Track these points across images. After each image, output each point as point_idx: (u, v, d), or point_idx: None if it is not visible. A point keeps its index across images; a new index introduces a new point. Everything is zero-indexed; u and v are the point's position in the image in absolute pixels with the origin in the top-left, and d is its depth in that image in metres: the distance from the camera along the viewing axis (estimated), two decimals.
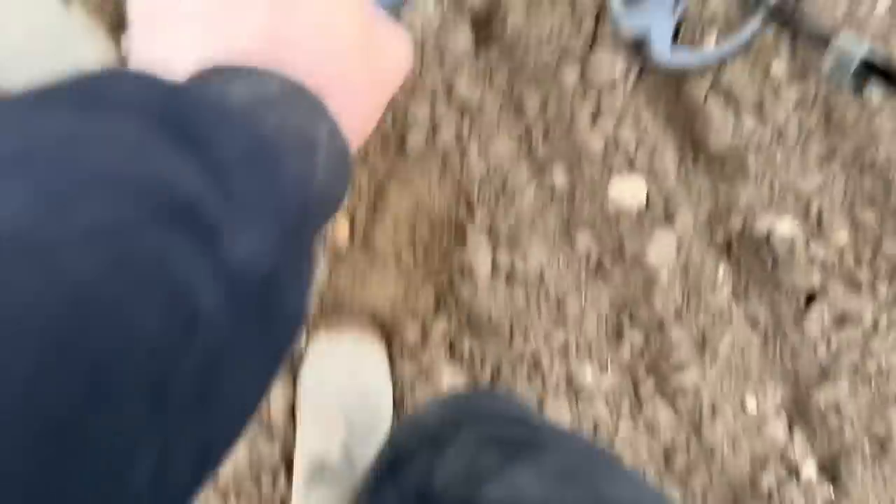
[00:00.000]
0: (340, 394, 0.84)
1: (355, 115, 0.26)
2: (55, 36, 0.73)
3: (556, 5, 0.86)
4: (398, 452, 0.56)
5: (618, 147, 0.88)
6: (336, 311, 0.88)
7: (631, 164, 0.89)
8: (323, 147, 0.23)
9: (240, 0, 0.25)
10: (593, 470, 0.49)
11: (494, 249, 0.87)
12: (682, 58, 0.90)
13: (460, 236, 0.87)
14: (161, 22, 0.26)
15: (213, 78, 0.23)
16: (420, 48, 0.84)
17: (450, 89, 0.85)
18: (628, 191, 0.89)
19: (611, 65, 0.87)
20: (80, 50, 0.74)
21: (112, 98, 0.19)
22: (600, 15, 0.88)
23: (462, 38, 0.85)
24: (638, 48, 0.90)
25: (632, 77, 0.89)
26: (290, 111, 0.23)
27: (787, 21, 0.86)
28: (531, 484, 0.46)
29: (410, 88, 0.84)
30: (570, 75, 0.87)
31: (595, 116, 0.88)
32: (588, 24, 0.87)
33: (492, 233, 0.88)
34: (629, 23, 0.88)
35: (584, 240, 0.89)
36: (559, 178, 0.89)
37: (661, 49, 0.89)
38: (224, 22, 0.25)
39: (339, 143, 0.24)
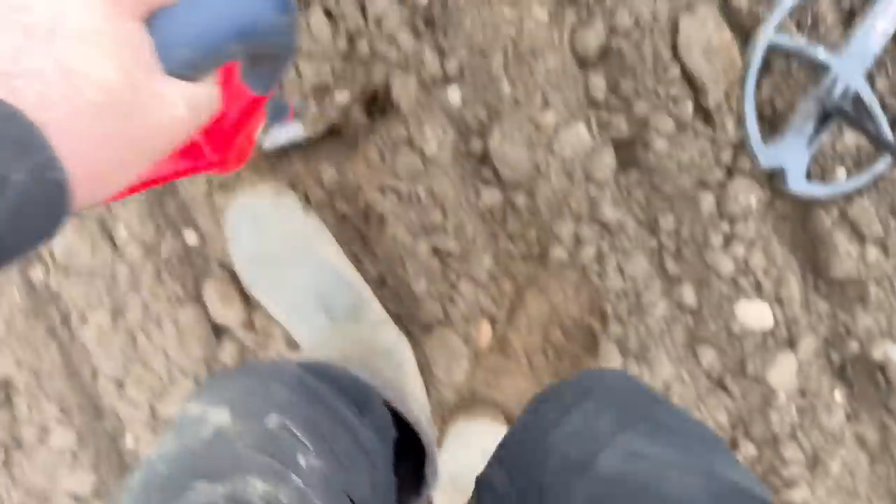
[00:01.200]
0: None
1: (95, 163, 0.27)
2: (303, 236, 0.84)
3: (699, 137, 0.92)
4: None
5: (747, 271, 0.94)
6: (470, 402, 0.95)
7: (758, 289, 0.94)
8: (13, 185, 0.23)
9: None
10: (709, 450, 0.49)
11: (624, 359, 0.93)
12: (815, 190, 0.95)
13: (592, 345, 0.94)
14: None
15: None
16: (569, 173, 0.91)
17: (592, 210, 0.92)
18: (754, 313, 0.94)
19: (746, 195, 0.93)
20: (323, 249, 0.86)
21: None
22: (738, 148, 0.93)
23: (607, 161, 0.92)
24: (773, 179, 0.96)
25: (763, 206, 0.94)
26: None
27: None
28: (644, 448, 0.47)
29: (557, 208, 0.91)
30: (707, 202, 0.93)
31: (727, 241, 0.94)
32: (727, 155, 0.93)
33: (622, 344, 0.94)
34: (767, 157, 0.94)
35: (708, 356, 0.94)
36: (688, 296, 0.94)
37: (796, 181, 0.95)
38: None
39: (46, 183, 0.24)
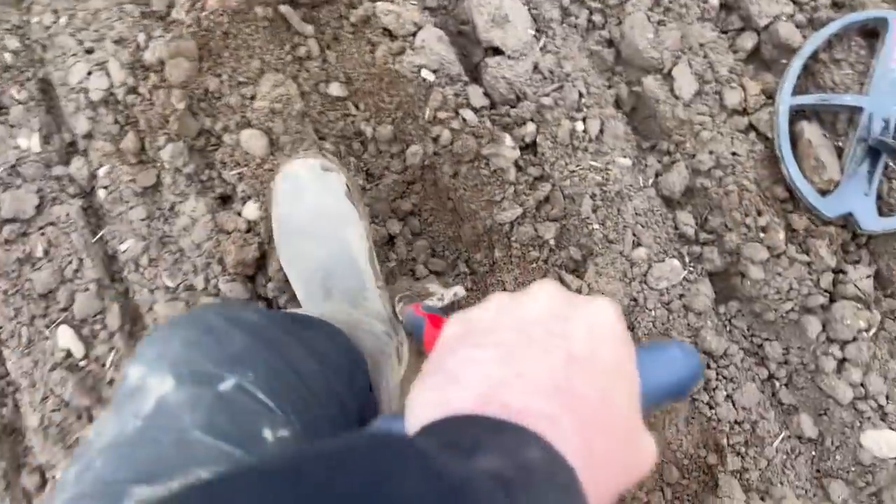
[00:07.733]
0: None
1: (602, 488, 0.27)
2: (333, 217, 0.83)
3: (794, 264, 0.88)
4: None
5: (867, 397, 0.87)
6: None
7: (883, 415, 0.86)
8: None
9: (542, 342, 0.29)
10: None
11: (747, 495, 0.87)
12: (891, 223, 0.92)
13: (710, 481, 0.84)
14: (462, 346, 0.30)
15: (479, 439, 0.25)
16: (666, 306, 0.90)
17: (695, 340, 0.90)
18: (883, 442, 0.86)
19: (853, 317, 0.88)
20: (347, 234, 0.83)
21: (393, 495, 0.20)
22: (838, 273, 0.90)
23: (704, 295, 0.90)
24: (847, 225, 0.90)
25: (874, 328, 0.88)
26: (544, 488, 0.24)
27: None
28: None
29: (658, 338, 0.89)
30: (813, 327, 0.89)
31: (840, 367, 0.87)
32: (827, 279, 0.90)
33: (743, 479, 0.87)
34: (830, 208, 0.93)
35: (837, 489, 0.86)
36: (807, 425, 0.89)
37: (868, 220, 0.93)
38: (521, 359, 0.29)
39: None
